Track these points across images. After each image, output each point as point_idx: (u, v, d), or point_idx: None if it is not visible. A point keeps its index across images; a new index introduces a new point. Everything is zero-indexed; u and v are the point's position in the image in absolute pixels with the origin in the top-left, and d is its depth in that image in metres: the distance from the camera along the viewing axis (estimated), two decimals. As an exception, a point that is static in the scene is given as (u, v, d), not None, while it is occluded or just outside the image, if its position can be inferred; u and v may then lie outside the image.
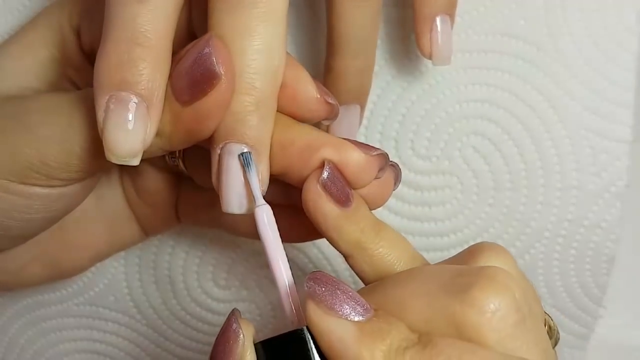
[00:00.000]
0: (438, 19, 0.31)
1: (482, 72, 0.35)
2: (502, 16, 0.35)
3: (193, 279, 0.38)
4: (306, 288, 0.23)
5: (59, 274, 0.33)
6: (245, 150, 0.24)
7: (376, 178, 0.27)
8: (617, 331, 0.41)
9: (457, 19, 0.35)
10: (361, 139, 0.36)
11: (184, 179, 0.32)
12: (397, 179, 0.28)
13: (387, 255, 0.26)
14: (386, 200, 0.28)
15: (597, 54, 0.35)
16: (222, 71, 0.23)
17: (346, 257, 0.27)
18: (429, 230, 0.37)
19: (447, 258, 0.37)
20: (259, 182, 0.25)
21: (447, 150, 0.36)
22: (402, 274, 0.26)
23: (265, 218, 0.25)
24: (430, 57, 0.32)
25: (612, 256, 0.37)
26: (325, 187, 0.25)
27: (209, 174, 0.25)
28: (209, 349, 0.40)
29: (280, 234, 0.30)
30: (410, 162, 0.36)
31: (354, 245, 0.26)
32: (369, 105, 0.36)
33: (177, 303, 0.39)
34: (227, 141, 0.24)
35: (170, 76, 0.24)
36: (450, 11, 0.32)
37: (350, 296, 0.23)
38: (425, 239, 0.37)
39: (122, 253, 0.38)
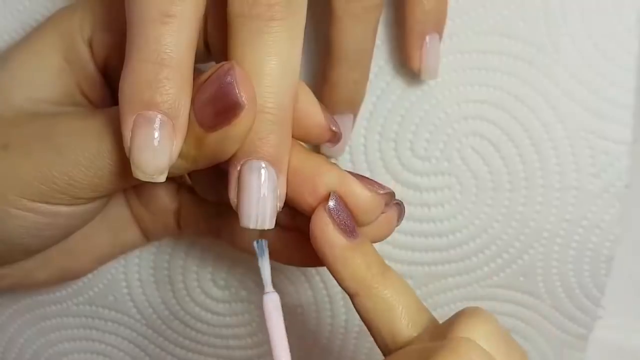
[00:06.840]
0: (428, 37, 0.33)
1: (481, 73, 0.35)
2: (502, 17, 0.35)
3: (192, 279, 0.38)
4: None
5: (63, 277, 0.34)
6: (262, 171, 0.25)
7: (381, 213, 0.27)
8: (616, 332, 0.41)
9: (457, 20, 0.35)
10: (361, 140, 0.36)
11: (185, 188, 0.33)
12: (401, 216, 0.29)
13: (393, 301, 0.26)
14: (388, 236, 0.28)
15: (597, 54, 0.35)
16: (245, 101, 0.24)
17: (352, 297, 0.27)
18: (428, 231, 0.37)
19: (445, 263, 0.37)
20: (270, 270, 0.26)
21: (446, 151, 0.36)
22: None
23: (272, 306, 0.26)
24: (419, 72, 0.34)
25: (611, 257, 0.37)
26: (331, 215, 0.26)
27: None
28: (209, 349, 0.40)
29: (283, 257, 0.30)
30: (409, 163, 0.36)
31: (360, 282, 0.26)
32: (368, 106, 0.36)
33: (177, 303, 0.39)
34: (248, 159, 0.25)
35: (193, 103, 0.24)
36: (439, 29, 0.33)
37: None
38: (424, 239, 0.37)
39: (122, 253, 0.38)
